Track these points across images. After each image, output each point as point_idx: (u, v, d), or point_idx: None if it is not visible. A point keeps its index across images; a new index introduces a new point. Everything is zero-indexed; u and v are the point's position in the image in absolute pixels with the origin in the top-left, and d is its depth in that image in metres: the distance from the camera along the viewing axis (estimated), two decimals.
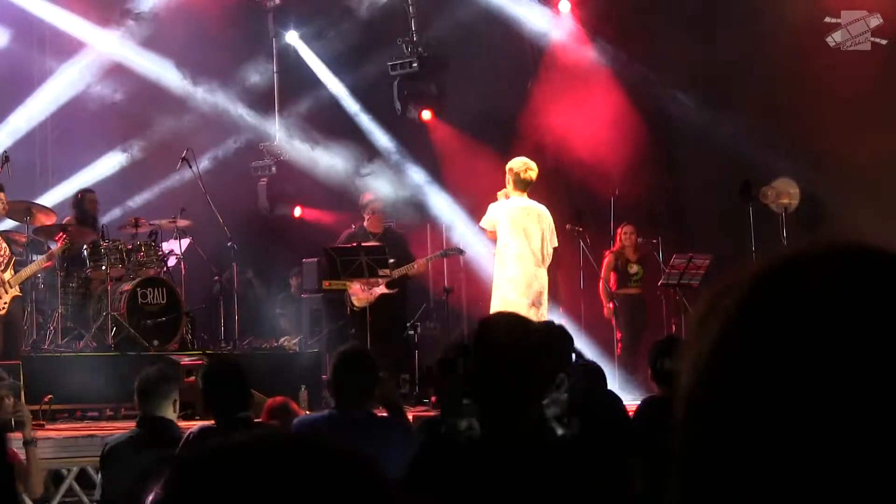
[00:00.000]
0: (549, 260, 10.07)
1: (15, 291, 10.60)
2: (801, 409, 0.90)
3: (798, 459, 0.90)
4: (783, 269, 0.97)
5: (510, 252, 9.95)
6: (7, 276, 10.55)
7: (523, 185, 9.98)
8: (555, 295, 13.18)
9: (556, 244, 10.25)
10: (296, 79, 15.97)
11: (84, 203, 12.25)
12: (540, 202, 13.70)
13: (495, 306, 9.93)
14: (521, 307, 9.79)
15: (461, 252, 12.43)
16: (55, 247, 11.09)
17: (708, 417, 0.95)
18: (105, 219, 12.98)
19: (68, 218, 12.03)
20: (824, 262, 0.96)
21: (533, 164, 10.13)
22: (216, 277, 12.99)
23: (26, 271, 10.77)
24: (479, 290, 13.99)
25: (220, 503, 0.97)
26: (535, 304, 9.85)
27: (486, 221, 10.18)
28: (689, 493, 0.96)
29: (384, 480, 1.03)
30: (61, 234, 11.15)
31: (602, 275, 12.98)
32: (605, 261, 13.12)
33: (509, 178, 10.07)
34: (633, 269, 12.95)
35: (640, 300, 13.06)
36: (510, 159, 14.45)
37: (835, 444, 0.89)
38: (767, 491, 0.91)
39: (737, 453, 0.92)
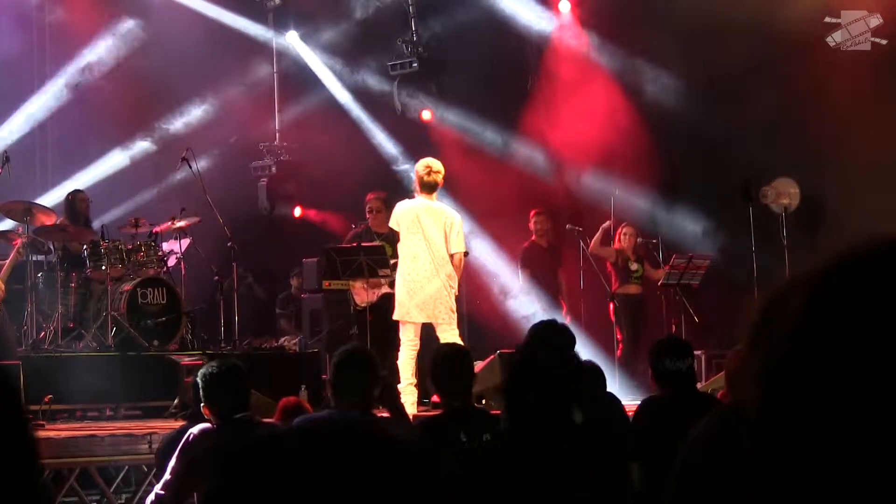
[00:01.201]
0: (450, 262, 10.00)
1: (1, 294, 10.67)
2: (881, 408, 0.89)
3: (883, 458, 0.89)
4: (850, 267, 0.96)
5: (407, 252, 10.01)
6: None
7: (427, 187, 9.98)
8: (555, 294, 13.19)
9: (464, 248, 10.19)
10: (296, 79, 15.97)
11: (76, 203, 12.24)
12: (539, 201, 13.76)
13: (405, 312, 9.98)
14: (411, 310, 9.89)
15: (465, 254, 12.43)
16: (16, 241, 11.17)
17: (786, 421, 0.94)
18: (105, 219, 12.99)
19: (62, 219, 12.02)
20: (890, 256, 0.95)
21: (437, 166, 10.10)
22: (216, 277, 12.98)
23: (2, 273, 10.84)
24: (479, 290, 14.01)
25: (280, 490, 0.97)
26: (425, 306, 9.86)
27: (391, 221, 10.26)
28: (767, 496, 0.95)
29: (422, 461, 1.03)
30: (20, 227, 11.22)
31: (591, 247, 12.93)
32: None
33: (415, 181, 10.13)
34: (634, 266, 12.92)
35: (640, 299, 13.04)
36: (510, 159, 14.55)
37: None
38: (852, 491, 0.90)
39: (818, 453, 0.91)
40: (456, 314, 10.09)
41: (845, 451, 0.90)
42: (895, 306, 0.91)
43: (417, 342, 9.91)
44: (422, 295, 9.93)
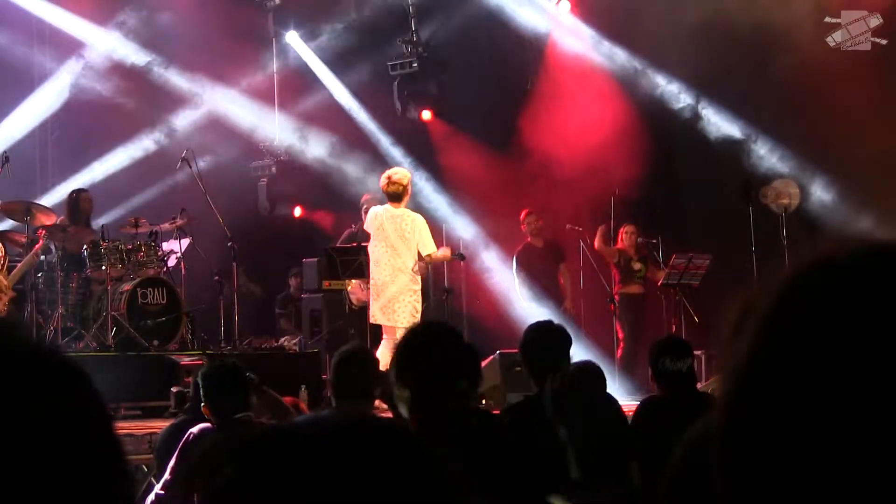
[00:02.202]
0: (416, 267, 10.34)
1: (10, 293, 10.66)
2: (841, 412, 0.89)
3: (841, 463, 0.89)
4: (820, 270, 0.95)
5: (372, 257, 10.43)
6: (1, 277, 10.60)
7: (391, 196, 10.42)
8: (555, 294, 13.19)
9: (434, 248, 10.51)
10: (296, 79, 15.96)
11: (79, 202, 12.24)
12: (539, 202, 13.75)
13: (372, 314, 10.46)
14: (375, 312, 10.33)
15: (462, 258, 12.47)
16: (38, 244, 11.15)
17: (748, 426, 0.94)
18: (106, 219, 12.98)
19: (62, 218, 12.02)
20: (860, 261, 0.95)
21: (396, 176, 10.52)
22: (216, 277, 12.98)
23: (16, 272, 10.83)
24: (479, 290, 14.01)
25: (288, 487, 0.97)
26: (386, 309, 10.25)
27: (366, 224, 10.69)
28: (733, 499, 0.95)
29: (439, 454, 1.03)
30: (40, 230, 11.21)
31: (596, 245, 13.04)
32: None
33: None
34: (637, 265, 12.93)
35: (642, 299, 13.04)
36: (510, 159, 14.54)
37: (871, 445, 0.88)
38: (811, 496, 0.90)
39: (779, 459, 0.91)
40: (419, 315, 10.33)
41: (807, 453, 0.90)
42: (863, 310, 0.91)
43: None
44: (383, 299, 10.32)
